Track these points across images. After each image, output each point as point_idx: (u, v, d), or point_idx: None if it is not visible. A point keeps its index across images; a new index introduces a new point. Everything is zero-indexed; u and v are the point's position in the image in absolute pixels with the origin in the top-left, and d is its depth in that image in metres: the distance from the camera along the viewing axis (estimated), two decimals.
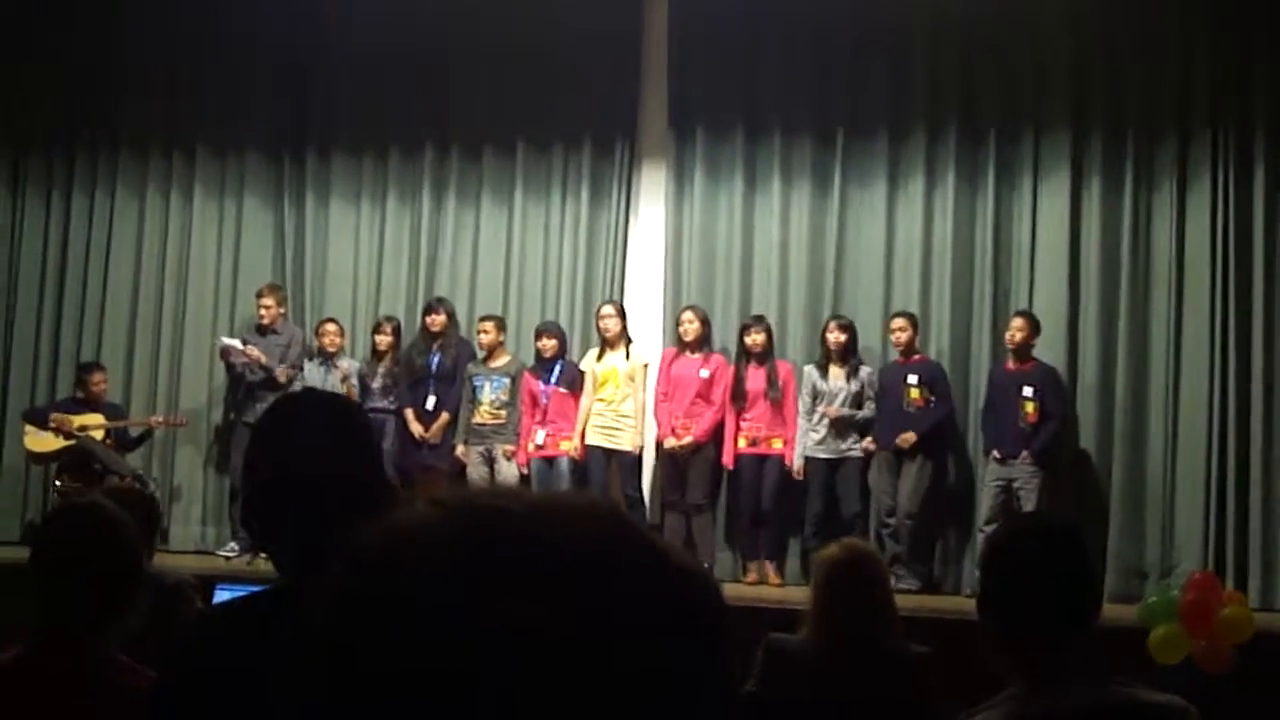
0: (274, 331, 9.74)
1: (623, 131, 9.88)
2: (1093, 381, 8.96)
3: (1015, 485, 8.49)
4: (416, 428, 9.41)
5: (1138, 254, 9.01)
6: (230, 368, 9.77)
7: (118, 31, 10.59)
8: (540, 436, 9.22)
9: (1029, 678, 2.50)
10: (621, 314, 9.34)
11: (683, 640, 0.82)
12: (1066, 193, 9.12)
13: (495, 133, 10.07)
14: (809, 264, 9.52)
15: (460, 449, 9.39)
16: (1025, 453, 8.47)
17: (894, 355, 9.07)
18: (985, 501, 8.61)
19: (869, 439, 8.83)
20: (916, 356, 8.93)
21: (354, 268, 10.28)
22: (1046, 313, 8.87)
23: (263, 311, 9.75)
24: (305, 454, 2.04)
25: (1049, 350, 8.81)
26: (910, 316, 8.98)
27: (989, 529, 8.39)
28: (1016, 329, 8.68)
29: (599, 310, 9.39)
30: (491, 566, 0.80)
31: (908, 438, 8.68)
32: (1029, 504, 8.37)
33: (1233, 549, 8.57)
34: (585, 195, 9.91)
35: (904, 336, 8.88)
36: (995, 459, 8.59)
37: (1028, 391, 8.57)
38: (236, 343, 9.65)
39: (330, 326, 9.71)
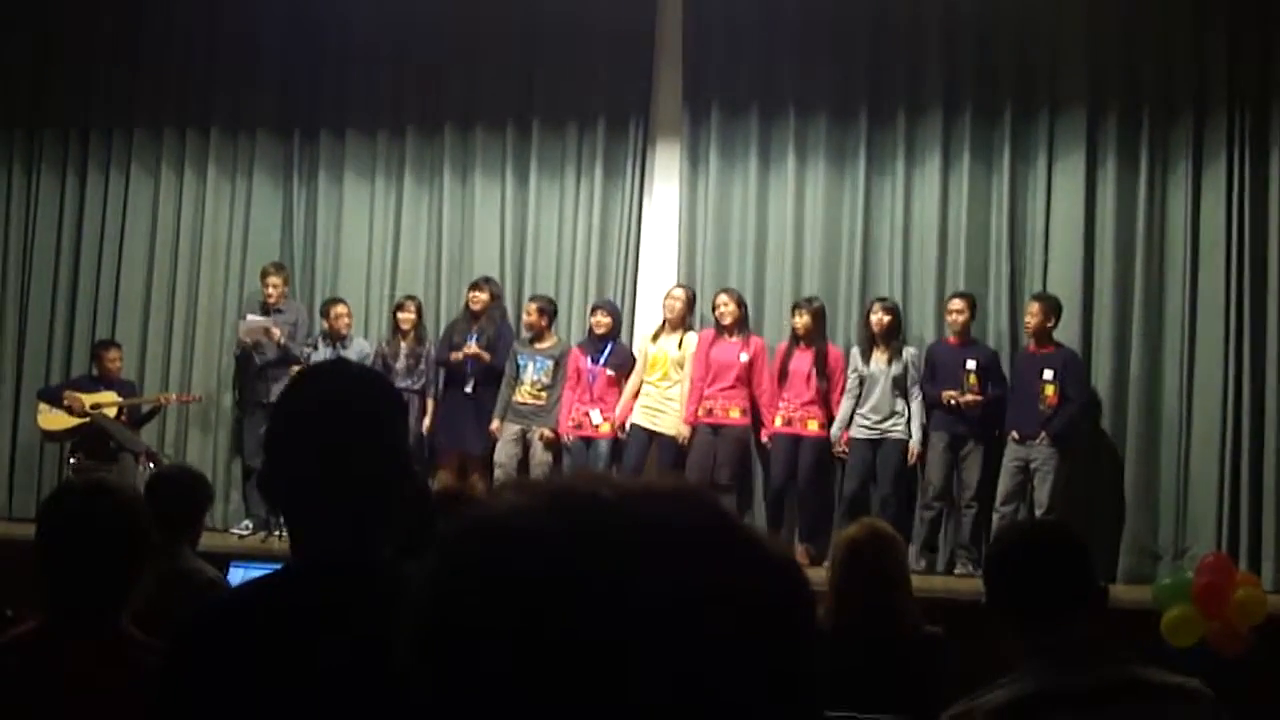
0: (279, 310, 9.72)
1: (637, 109, 9.83)
2: (1107, 361, 8.92)
3: (1033, 466, 8.46)
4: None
5: (1153, 234, 8.96)
6: (249, 352, 9.68)
7: (132, 9, 10.58)
8: (596, 416, 9.11)
9: (1044, 657, 2.51)
10: (690, 300, 9.23)
11: (771, 623, 0.84)
12: (1082, 172, 9.07)
13: (510, 111, 10.02)
14: (824, 243, 9.47)
15: (495, 424, 9.31)
16: (1043, 434, 8.44)
17: (929, 336, 9.07)
18: (1003, 482, 8.56)
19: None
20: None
21: (368, 247, 10.25)
22: (1061, 293, 8.83)
23: (270, 290, 9.73)
24: (331, 434, 1.98)
25: (1063, 330, 8.77)
26: (969, 297, 8.85)
27: (1005, 509, 8.41)
28: (1031, 314, 8.64)
29: (670, 291, 9.27)
30: (587, 551, 0.81)
31: (956, 396, 8.58)
32: (1045, 485, 8.36)
33: (1246, 531, 8.55)
34: (599, 173, 9.86)
35: (961, 319, 8.77)
36: (1014, 440, 8.55)
37: (1048, 374, 8.53)
38: (260, 321, 9.57)
39: (340, 308, 9.65)
